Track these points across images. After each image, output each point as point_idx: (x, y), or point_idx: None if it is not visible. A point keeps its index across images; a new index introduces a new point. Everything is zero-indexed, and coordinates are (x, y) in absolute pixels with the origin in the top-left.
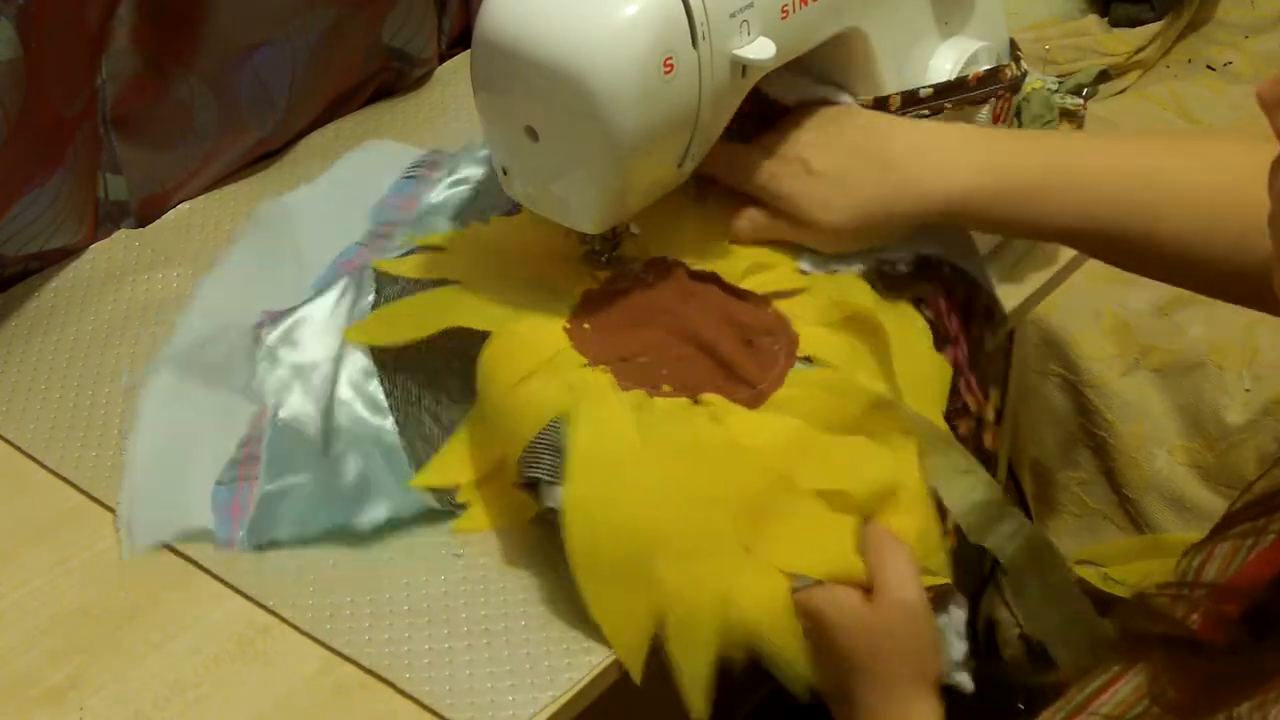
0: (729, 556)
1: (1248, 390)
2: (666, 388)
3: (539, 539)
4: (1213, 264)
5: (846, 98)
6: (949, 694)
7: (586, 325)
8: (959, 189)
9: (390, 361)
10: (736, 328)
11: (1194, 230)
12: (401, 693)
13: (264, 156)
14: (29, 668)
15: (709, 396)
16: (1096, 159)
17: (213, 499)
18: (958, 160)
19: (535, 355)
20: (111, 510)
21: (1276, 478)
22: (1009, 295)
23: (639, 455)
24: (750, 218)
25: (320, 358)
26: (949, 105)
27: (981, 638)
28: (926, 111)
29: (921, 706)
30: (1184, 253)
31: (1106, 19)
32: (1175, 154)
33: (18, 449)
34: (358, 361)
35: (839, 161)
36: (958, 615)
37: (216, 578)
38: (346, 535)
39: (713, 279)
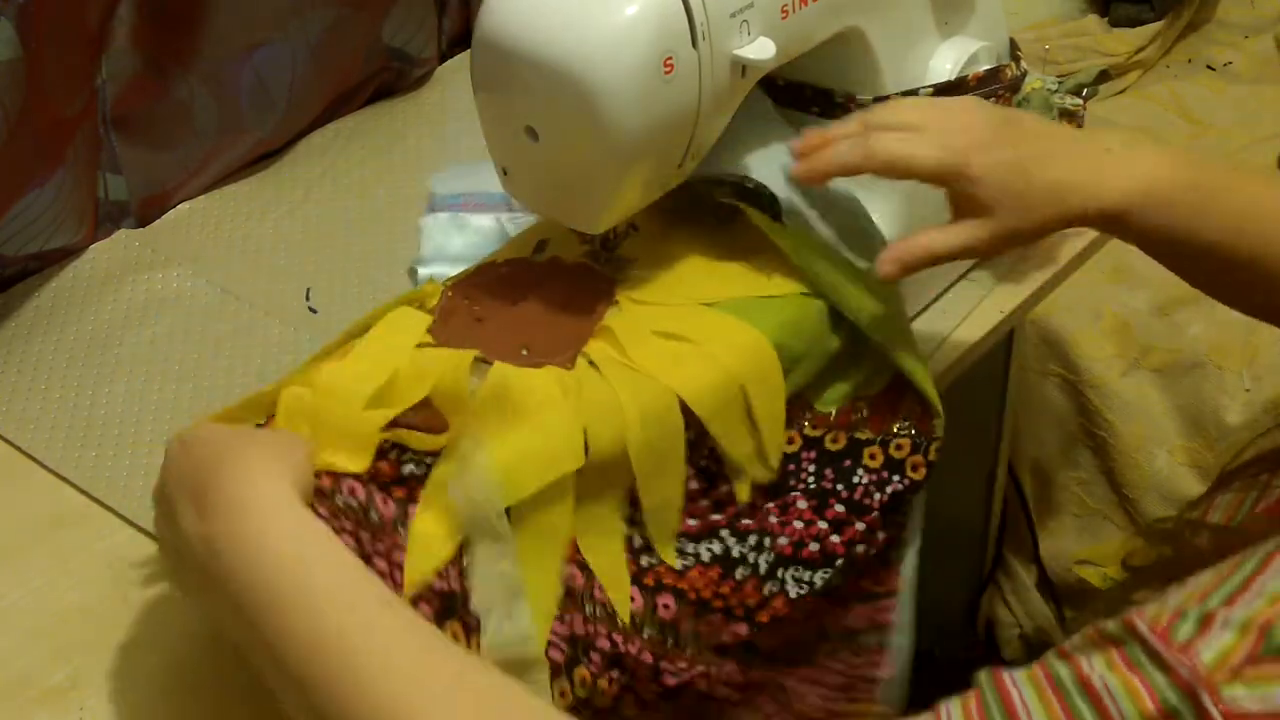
0: None
1: (1248, 390)
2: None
3: None
4: None
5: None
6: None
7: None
8: (1140, 185)
9: None
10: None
11: None
12: None
13: (264, 156)
14: (29, 668)
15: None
16: (1254, 186)
17: None
18: (1136, 159)
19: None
20: (111, 510)
21: (1278, 438)
22: (1009, 295)
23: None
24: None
25: None
26: None
27: (981, 638)
28: None
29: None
30: None
31: (1106, 19)
32: None
33: (18, 449)
34: None
35: (1020, 150)
36: None
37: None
38: None
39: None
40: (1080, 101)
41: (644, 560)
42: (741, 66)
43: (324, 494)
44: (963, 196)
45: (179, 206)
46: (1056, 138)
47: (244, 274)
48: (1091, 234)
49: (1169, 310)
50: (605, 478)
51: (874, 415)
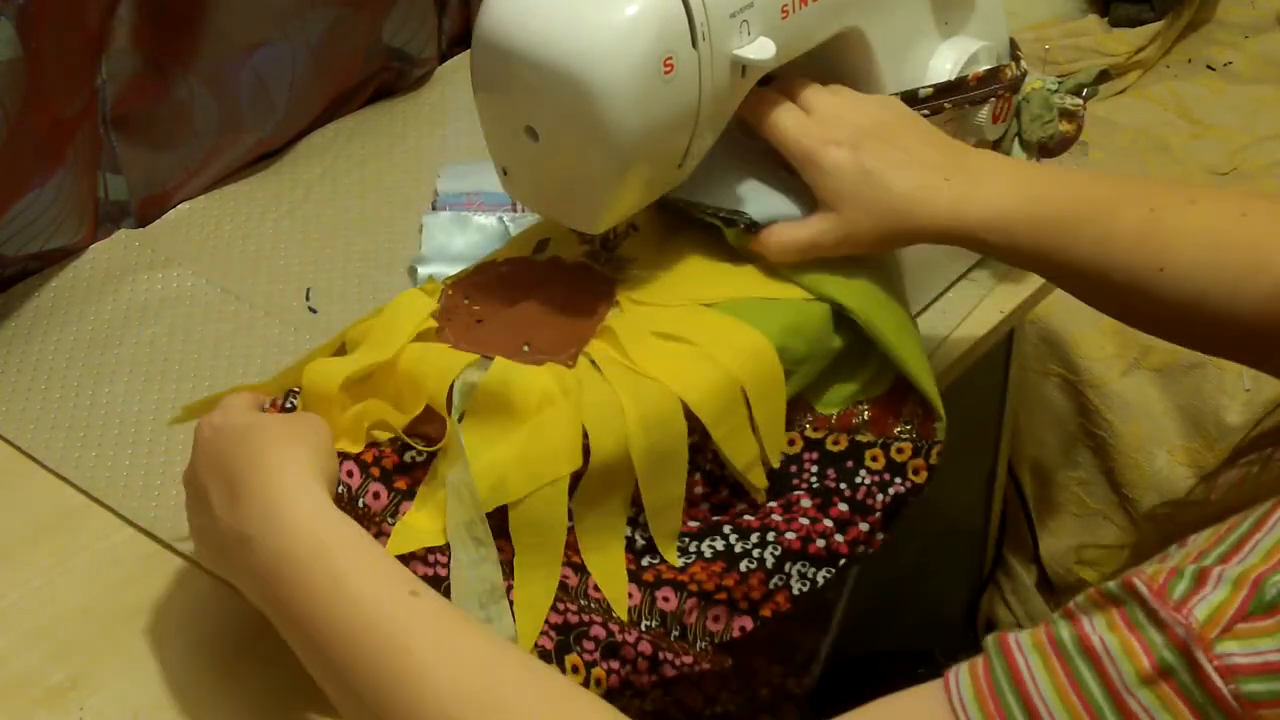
0: None
1: (1248, 390)
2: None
3: None
4: (1218, 317)
5: (785, 208)
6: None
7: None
8: (995, 210)
9: None
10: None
11: (1203, 278)
12: None
13: (264, 156)
14: (29, 668)
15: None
16: (1110, 191)
17: None
18: (998, 179)
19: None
20: (111, 510)
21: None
22: (1009, 295)
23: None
24: (778, 233)
25: None
26: (949, 105)
27: (981, 638)
28: (927, 111)
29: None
30: (1189, 302)
31: (1106, 19)
32: (1191, 202)
33: (18, 449)
34: None
35: (890, 153)
36: None
37: (218, 577)
38: None
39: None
40: (1080, 101)
41: (645, 560)
42: (741, 66)
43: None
44: (815, 186)
45: (179, 206)
46: (924, 149)
47: (244, 274)
48: None
49: None
50: (606, 479)
51: (875, 418)
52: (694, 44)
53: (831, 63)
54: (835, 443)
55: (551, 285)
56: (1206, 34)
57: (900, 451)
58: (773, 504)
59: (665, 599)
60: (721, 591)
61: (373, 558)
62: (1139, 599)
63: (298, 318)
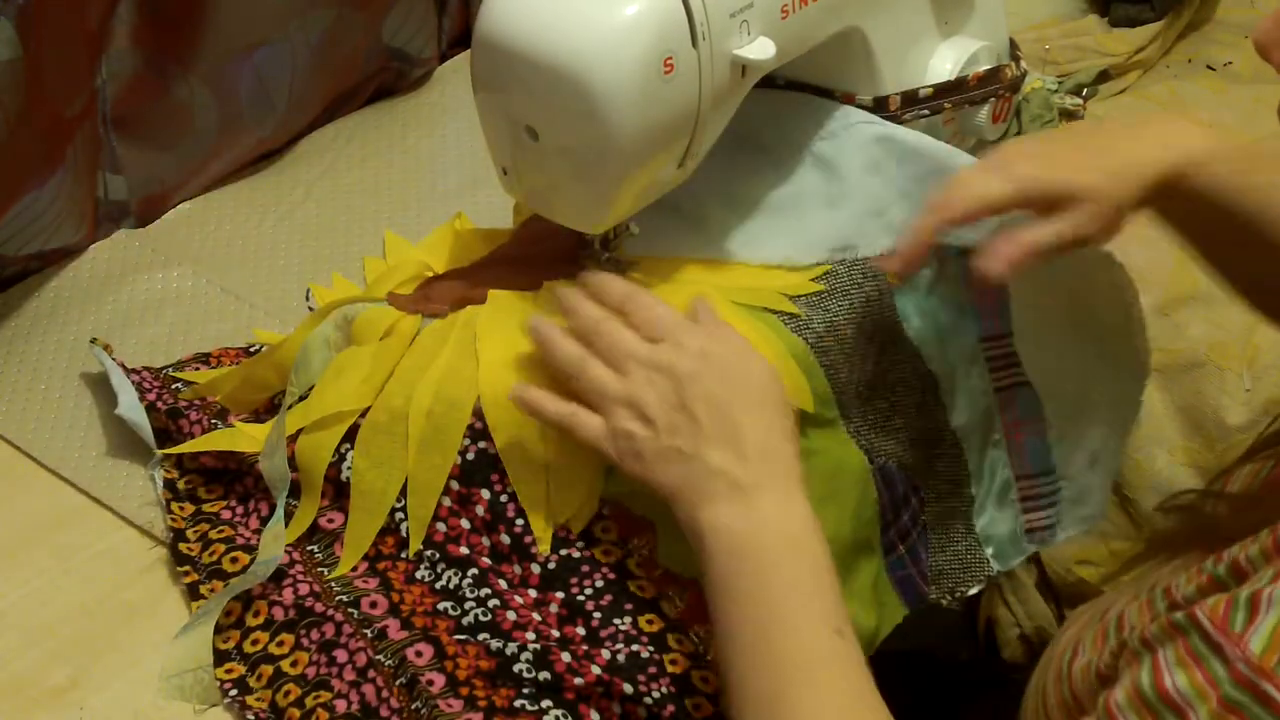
0: None
1: (1248, 390)
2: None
3: None
4: None
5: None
6: (948, 694)
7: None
8: (1182, 153)
9: None
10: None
11: None
12: None
13: (264, 156)
14: (29, 668)
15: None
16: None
17: None
18: (1172, 128)
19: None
20: (111, 510)
21: None
22: None
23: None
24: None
25: None
26: (949, 105)
27: (981, 638)
28: (927, 111)
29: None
30: None
31: (1106, 19)
32: None
33: (18, 449)
34: None
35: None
36: None
37: None
38: None
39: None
40: (1080, 101)
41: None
42: (741, 66)
43: None
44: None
45: (179, 206)
46: (1104, 132)
47: (244, 274)
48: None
49: (1169, 310)
50: (388, 429)
51: (695, 602)
52: (694, 44)
53: (831, 62)
54: (641, 589)
55: (527, 265)
56: (1206, 34)
57: (704, 669)
58: (554, 608)
59: (430, 682)
60: (465, 686)
61: (832, 583)
62: (1201, 631)
63: (298, 318)
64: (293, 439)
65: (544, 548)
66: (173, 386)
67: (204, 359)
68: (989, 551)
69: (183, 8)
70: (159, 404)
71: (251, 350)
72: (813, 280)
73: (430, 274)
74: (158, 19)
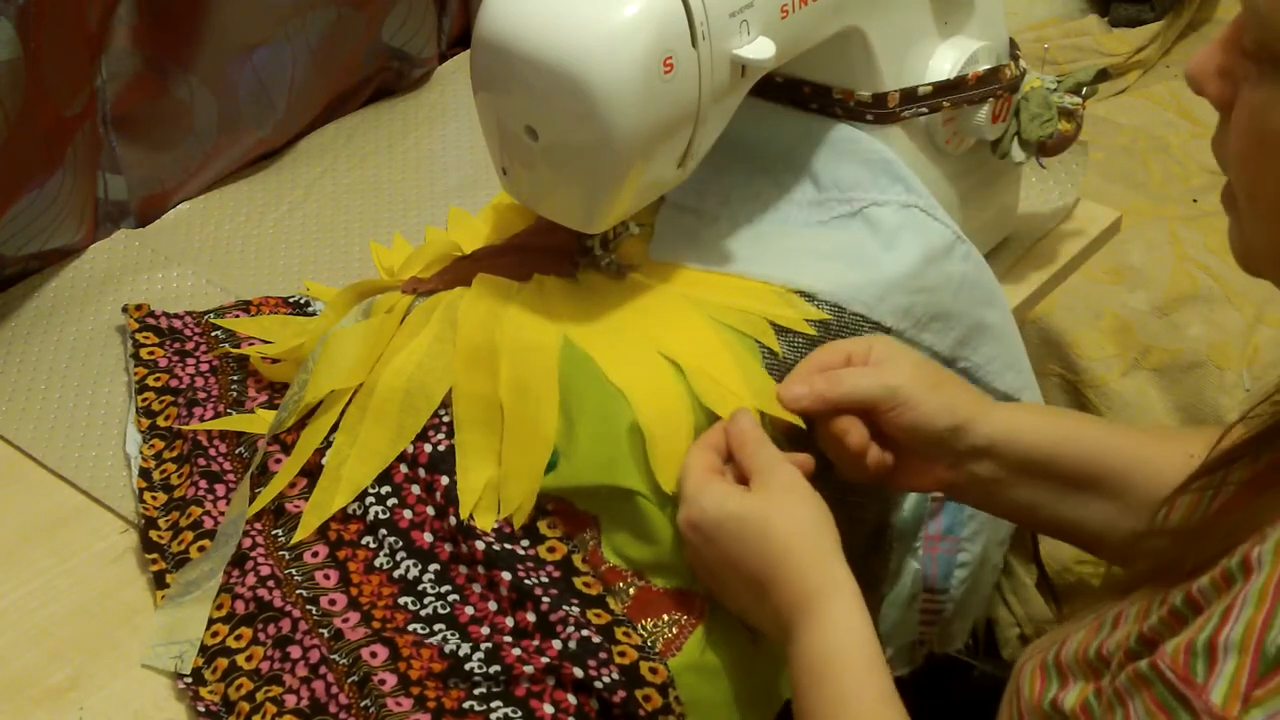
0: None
1: (1248, 390)
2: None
3: None
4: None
5: None
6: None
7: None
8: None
9: None
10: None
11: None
12: None
13: (264, 156)
14: (29, 668)
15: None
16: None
17: None
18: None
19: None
20: (111, 510)
21: (1234, 437)
22: (1009, 295)
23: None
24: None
25: None
26: (948, 104)
27: (981, 638)
28: (925, 109)
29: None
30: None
31: (1106, 19)
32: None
33: (18, 449)
34: None
35: None
36: None
37: None
38: None
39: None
40: (1079, 100)
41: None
42: (741, 66)
43: None
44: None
45: (179, 206)
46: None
47: (244, 274)
48: (1091, 234)
49: (1169, 310)
50: (360, 403)
51: (640, 598)
52: (694, 43)
53: (831, 62)
54: (587, 585)
55: (543, 254)
56: (1206, 34)
57: (651, 660)
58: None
59: (382, 681)
60: (417, 686)
61: (876, 682)
62: (1166, 682)
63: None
64: (299, 425)
65: (465, 512)
66: (212, 334)
67: (244, 306)
68: (889, 653)
69: (183, 8)
70: (174, 438)
71: (290, 300)
72: (806, 321)
73: (459, 254)
74: (158, 19)
